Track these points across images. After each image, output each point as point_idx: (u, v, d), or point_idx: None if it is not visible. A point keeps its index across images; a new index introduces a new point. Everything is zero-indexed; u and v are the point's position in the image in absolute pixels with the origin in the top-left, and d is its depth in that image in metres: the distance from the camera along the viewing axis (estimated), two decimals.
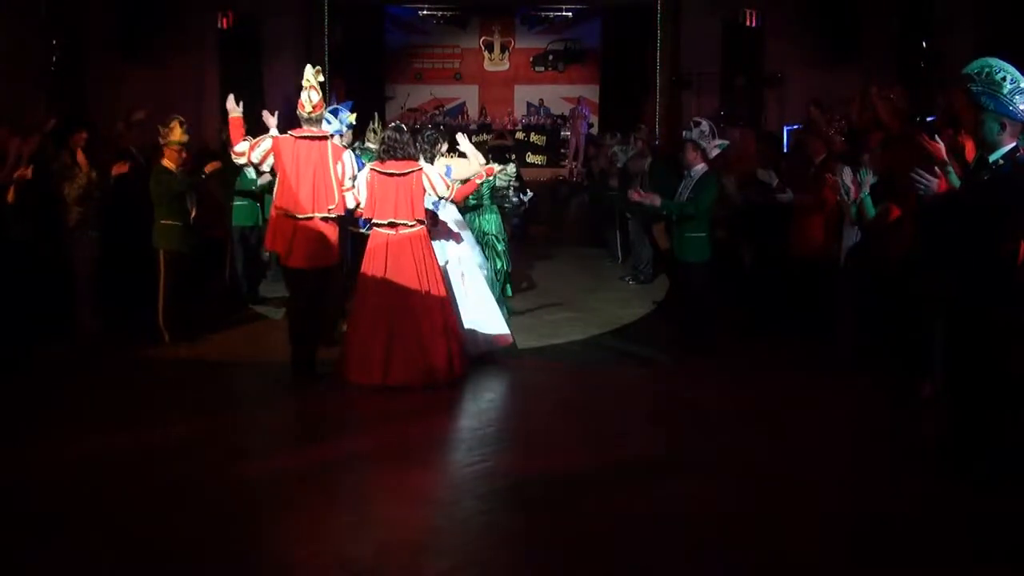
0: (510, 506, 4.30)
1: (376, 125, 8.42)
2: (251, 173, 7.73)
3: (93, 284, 7.53)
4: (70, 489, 4.43)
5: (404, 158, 6.09)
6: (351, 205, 6.16)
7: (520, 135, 20.20)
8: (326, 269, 6.24)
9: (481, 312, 6.71)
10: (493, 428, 5.41)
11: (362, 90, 14.94)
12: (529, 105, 21.66)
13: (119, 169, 7.61)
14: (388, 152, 6.10)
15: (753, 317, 7.63)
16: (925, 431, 5.21)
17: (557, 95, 21.45)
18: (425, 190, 6.14)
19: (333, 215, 6.10)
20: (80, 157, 7.34)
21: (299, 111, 6.12)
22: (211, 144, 9.70)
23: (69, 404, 5.86)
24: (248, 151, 6.08)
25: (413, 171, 6.09)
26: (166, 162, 7.13)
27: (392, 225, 6.08)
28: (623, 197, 10.62)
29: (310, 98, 6.07)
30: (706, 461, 4.84)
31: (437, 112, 20.87)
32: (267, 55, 14.86)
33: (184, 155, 7.22)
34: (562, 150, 20.03)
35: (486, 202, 7.88)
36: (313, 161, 6.03)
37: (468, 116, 21.34)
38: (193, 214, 7.28)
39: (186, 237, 7.21)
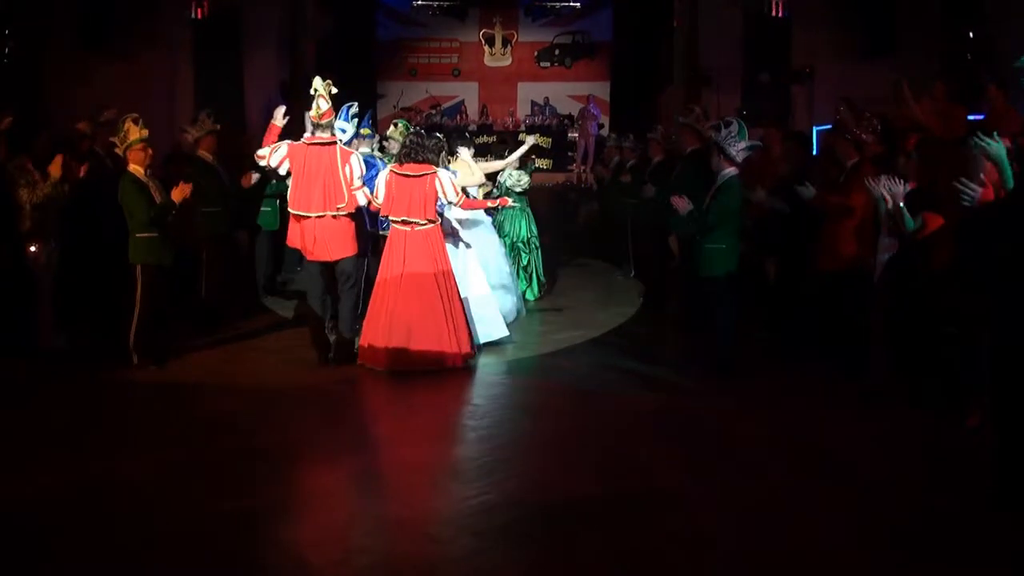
0: (509, 542, 4.31)
1: (398, 130, 9.20)
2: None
3: (52, 298, 7.55)
4: (30, 526, 4.45)
5: (422, 161, 7.10)
6: (363, 202, 7.21)
7: (523, 137, 20.16)
8: (343, 260, 7.26)
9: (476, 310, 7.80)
10: (492, 457, 5.41)
11: (352, 88, 14.98)
12: (533, 104, 21.79)
13: (80, 172, 7.64)
14: (408, 155, 7.15)
15: (777, 336, 7.63)
16: (970, 464, 5.20)
17: (564, 93, 21.58)
18: (437, 193, 7.10)
19: (343, 213, 7.12)
20: (56, 167, 7.33)
21: (310, 118, 7.14)
22: (183, 146, 9.73)
23: (27, 431, 5.87)
24: (268, 156, 7.15)
25: (427, 174, 7.08)
26: (134, 167, 7.09)
27: (405, 223, 7.09)
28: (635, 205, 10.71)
29: (318, 106, 7.04)
30: (721, 495, 4.85)
31: (433, 112, 20.94)
32: (247, 49, 14.88)
33: (149, 151, 7.22)
34: (569, 153, 20.09)
35: (516, 206, 9.66)
36: (323, 165, 7.06)
37: (467, 116, 21.41)
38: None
39: (165, 249, 7.22)
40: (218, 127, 8.88)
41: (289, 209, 7.19)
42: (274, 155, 7.14)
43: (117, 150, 7.24)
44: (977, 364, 5.38)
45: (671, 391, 6.85)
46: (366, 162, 7.55)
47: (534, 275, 10.09)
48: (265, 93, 15.16)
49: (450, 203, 7.38)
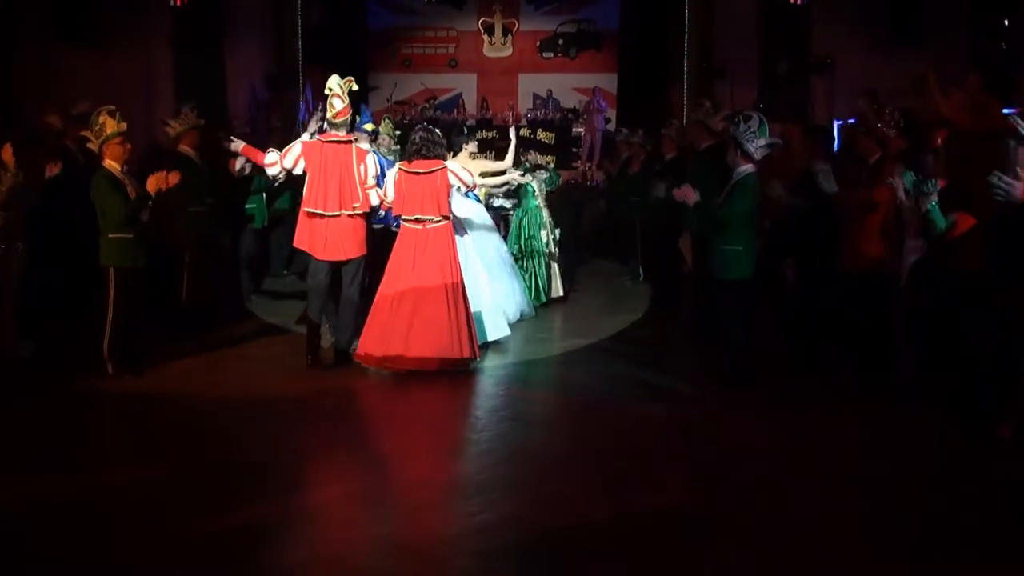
0: (509, 566, 4.31)
1: (388, 127, 9.69)
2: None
3: (18, 304, 7.50)
4: (16, 539, 4.47)
5: (432, 157, 7.36)
6: (375, 203, 7.54)
7: (525, 132, 20.06)
8: (350, 261, 7.54)
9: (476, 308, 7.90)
10: (492, 473, 5.41)
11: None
12: (535, 97, 21.71)
13: (52, 170, 7.61)
14: (418, 152, 7.37)
15: (796, 344, 7.61)
16: (972, 465, 5.28)
17: (568, 85, 21.50)
18: (451, 185, 7.43)
19: (359, 212, 7.46)
20: (7, 154, 7.28)
21: (327, 116, 7.52)
22: (162, 141, 9.71)
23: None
24: (280, 159, 7.49)
25: (437, 169, 7.36)
26: (109, 163, 7.05)
27: (419, 221, 7.34)
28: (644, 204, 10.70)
29: (333, 105, 7.40)
30: (738, 517, 4.83)
31: (428, 105, 20.91)
32: (230, 38, 14.87)
33: (128, 146, 7.19)
34: (574, 149, 20.05)
35: (531, 207, 10.11)
36: (339, 163, 7.41)
37: (465, 110, 21.35)
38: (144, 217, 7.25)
39: (139, 250, 7.18)
40: (202, 122, 8.84)
41: (304, 208, 7.46)
42: (287, 157, 7.45)
43: (90, 145, 7.18)
44: (1013, 368, 5.37)
45: (676, 399, 6.89)
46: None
47: (535, 282, 10.02)
48: (248, 86, 15.16)
49: (469, 190, 7.87)
